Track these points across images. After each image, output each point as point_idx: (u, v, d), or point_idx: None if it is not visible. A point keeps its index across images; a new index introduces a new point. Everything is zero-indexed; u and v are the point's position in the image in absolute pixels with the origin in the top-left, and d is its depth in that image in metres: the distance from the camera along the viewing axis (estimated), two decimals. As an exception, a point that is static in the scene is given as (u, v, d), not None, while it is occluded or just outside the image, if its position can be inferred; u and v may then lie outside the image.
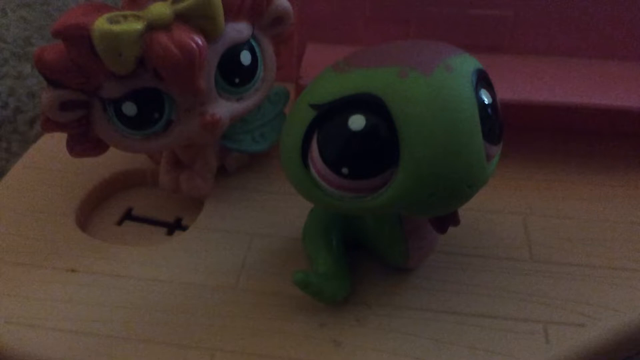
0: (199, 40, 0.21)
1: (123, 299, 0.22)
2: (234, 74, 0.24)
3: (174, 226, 0.27)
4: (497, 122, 0.18)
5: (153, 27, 0.20)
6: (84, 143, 0.23)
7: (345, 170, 0.17)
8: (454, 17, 0.30)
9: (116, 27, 0.20)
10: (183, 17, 0.21)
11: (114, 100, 0.22)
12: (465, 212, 0.25)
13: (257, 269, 0.24)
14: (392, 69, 0.17)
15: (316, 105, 0.17)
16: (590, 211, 0.26)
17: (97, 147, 0.24)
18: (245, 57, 0.24)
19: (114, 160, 0.28)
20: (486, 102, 0.18)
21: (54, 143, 0.30)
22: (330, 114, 0.17)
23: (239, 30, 0.23)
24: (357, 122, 0.17)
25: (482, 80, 0.18)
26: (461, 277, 0.23)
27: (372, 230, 0.22)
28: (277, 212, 0.26)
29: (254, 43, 0.24)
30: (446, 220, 0.20)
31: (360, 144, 0.17)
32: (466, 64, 0.17)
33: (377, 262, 0.23)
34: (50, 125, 0.22)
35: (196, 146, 0.26)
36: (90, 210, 0.27)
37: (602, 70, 0.30)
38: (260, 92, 0.25)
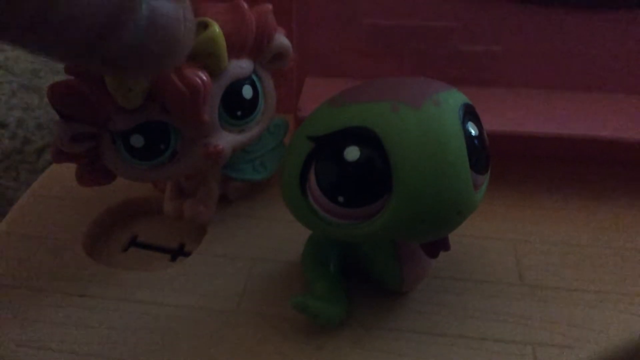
0: (204, 76, 0.22)
1: (129, 323, 0.23)
2: (236, 107, 0.25)
3: (177, 252, 0.28)
4: (483, 153, 0.19)
5: None
6: (93, 173, 0.24)
7: (341, 199, 0.18)
8: (445, 52, 0.31)
9: None
10: (189, 55, 0.22)
11: (122, 133, 0.23)
12: (457, 237, 0.26)
13: (258, 293, 0.24)
14: (384, 103, 0.18)
15: (314, 137, 0.19)
16: (578, 237, 0.27)
17: (105, 176, 0.25)
18: (247, 92, 0.25)
19: (120, 189, 0.29)
20: (473, 134, 0.19)
21: (62, 172, 0.31)
22: (327, 146, 0.18)
23: (241, 66, 0.24)
24: (352, 153, 0.18)
25: (469, 113, 0.19)
26: (454, 300, 0.24)
27: (368, 256, 0.23)
28: (277, 238, 0.27)
29: (255, 78, 0.26)
30: (437, 246, 0.21)
31: (355, 174, 0.18)
32: (453, 99, 0.19)
33: (373, 285, 0.24)
34: (62, 157, 0.23)
35: (199, 175, 0.27)
36: (97, 237, 0.28)
37: (586, 101, 0.31)
38: (261, 124, 0.26)
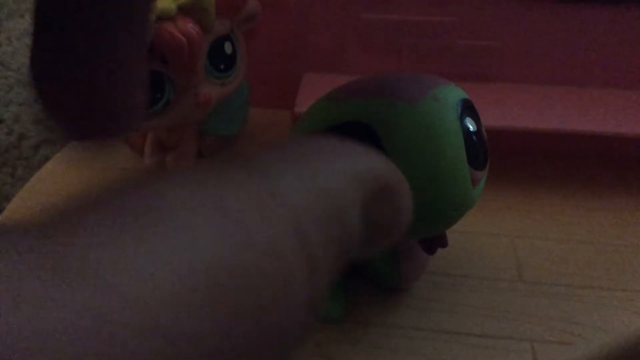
0: (198, 29, 0.25)
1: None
2: (220, 61, 0.28)
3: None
4: (481, 149, 0.19)
5: (160, 18, 0.24)
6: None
7: None
8: (444, 48, 0.31)
9: None
10: (184, 11, 0.25)
11: None
12: (455, 234, 0.26)
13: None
14: (382, 99, 0.18)
15: (312, 132, 0.18)
16: (577, 233, 0.27)
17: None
18: (228, 48, 0.28)
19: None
20: (471, 129, 0.18)
21: (58, 168, 0.31)
22: None
23: (223, 24, 0.27)
24: None
25: (467, 109, 0.19)
26: (452, 297, 0.24)
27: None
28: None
29: (232, 36, 0.29)
30: (434, 243, 0.21)
31: None
32: (452, 94, 0.18)
33: (372, 282, 0.24)
34: None
35: (179, 130, 0.30)
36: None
37: (585, 97, 0.31)
38: (237, 79, 0.29)
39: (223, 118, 0.31)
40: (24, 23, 0.50)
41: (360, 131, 0.18)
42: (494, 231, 0.27)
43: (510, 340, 0.22)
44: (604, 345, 0.22)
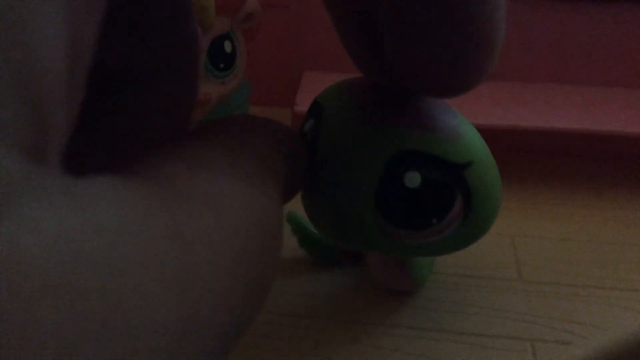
0: (199, 28, 0.25)
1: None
2: (219, 59, 0.28)
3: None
4: (415, 210, 0.17)
5: None
6: None
7: None
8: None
9: None
10: None
11: None
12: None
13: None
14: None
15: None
16: (578, 232, 0.27)
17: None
18: (227, 46, 0.28)
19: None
20: (408, 185, 0.16)
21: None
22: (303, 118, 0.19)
23: (223, 22, 0.28)
24: (308, 124, 0.18)
25: (416, 161, 0.16)
26: (452, 296, 0.24)
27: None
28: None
29: (232, 35, 0.29)
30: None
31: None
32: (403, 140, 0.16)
33: (372, 282, 0.24)
34: None
35: None
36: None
37: (586, 95, 0.31)
38: (237, 78, 0.30)
39: (223, 116, 0.31)
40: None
41: (316, 109, 0.18)
42: (494, 231, 0.27)
43: (510, 340, 0.22)
44: (604, 344, 0.22)
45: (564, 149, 0.32)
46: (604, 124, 0.28)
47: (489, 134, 0.20)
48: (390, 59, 0.15)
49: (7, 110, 0.06)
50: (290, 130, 0.15)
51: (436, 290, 0.24)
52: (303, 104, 0.30)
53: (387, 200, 0.16)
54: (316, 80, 0.32)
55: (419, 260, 0.22)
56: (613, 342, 0.22)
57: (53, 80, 0.07)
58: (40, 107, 0.06)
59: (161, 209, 0.08)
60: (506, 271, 0.25)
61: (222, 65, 0.28)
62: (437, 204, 0.16)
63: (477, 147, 0.16)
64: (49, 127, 0.07)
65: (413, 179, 0.16)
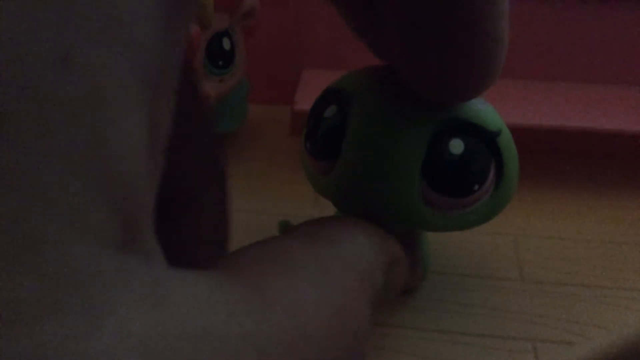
0: (196, 25, 0.25)
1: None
2: (218, 57, 0.28)
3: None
4: (460, 176, 0.17)
5: None
6: None
7: (308, 145, 0.18)
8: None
9: None
10: None
11: None
12: (457, 233, 0.26)
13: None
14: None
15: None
16: (580, 231, 0.27)
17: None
18: (226, 43, 0.28)
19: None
20: (452, 152, 0.17)
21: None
22: (314, 108, 0.19)
23: (222, 19, 0.27)
24: (330, 111, 0.18)
25: (459, 129, 0.17)
26: (454, 296, 0.24)
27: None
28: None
29: (231, 32, 0.28)
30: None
31: (325, 128, 0.18)
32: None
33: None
34: None
35: None
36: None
37: (587, 93, 0.31)
38: (236, 76, 0.29)
39: (222, 114, 0.31)
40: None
41: (342, 96, 0.18)
42: (496, 230, 0.27)
43: (511, 340, 0.22)
44: (606, 344, 0.22)
45: (566, 147, 0.32)
46: (607, 123, 0.28)
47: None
48: (398, 61, 0.15)
49: (98, 212, 0.06)
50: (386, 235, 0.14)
51: (437, 290, 0.24)
52: (302, 102, 0.30)
53: (434, 169, 0.17)
54: (315, 78, 0.32)
55: (425, 258, 0.22)
56: (615, 342, 0.22)
57: (137, 169, 0.07)
58: (129, 201, 0.07)
59: (243, 311, 0.08)
60: (508, 271, 0.25)
61: (220, 63, 0.28)
62: (478, 170, 0.17)
63: (499, 117, 0.18)
64: (137, 215, 0.07)
65: (457, 146, 0.17)
